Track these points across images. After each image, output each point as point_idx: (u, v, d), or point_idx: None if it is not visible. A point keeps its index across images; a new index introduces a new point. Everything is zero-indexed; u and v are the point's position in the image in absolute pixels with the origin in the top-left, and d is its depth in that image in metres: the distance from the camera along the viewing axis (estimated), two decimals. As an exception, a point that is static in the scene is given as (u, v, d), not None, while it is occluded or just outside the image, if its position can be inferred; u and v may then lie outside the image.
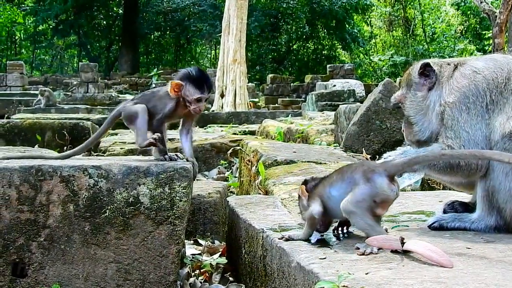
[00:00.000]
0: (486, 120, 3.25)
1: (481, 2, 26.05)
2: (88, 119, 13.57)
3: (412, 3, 60.95)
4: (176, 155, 4.02)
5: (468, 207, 3.55)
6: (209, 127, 18.51)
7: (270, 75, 42.98)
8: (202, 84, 4.00)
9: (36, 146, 9.50)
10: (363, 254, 2.84)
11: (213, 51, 64.93)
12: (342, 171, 3.14)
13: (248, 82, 34.90)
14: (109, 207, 3.68)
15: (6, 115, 19.28)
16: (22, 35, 62.89)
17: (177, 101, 3.99)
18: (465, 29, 58.04)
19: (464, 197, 3.94)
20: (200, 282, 4.36)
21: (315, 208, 3.08)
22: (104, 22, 63.36)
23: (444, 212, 3.57)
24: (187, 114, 4.11)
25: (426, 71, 3.50)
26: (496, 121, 3.20)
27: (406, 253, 2.79)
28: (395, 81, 11.09)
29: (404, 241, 2.81)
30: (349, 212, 2.95)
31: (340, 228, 3.31)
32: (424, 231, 3.33)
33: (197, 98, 3.97)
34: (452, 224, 3.33)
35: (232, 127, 16.91)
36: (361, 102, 15.48)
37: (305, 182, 3.26)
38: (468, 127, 3.26)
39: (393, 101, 3.70)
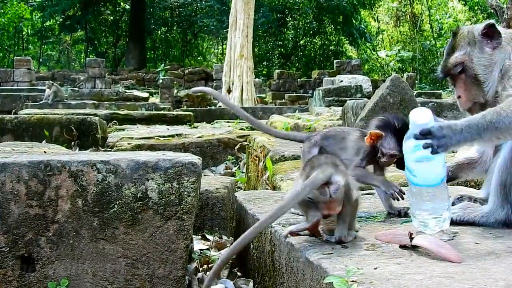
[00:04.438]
0: None
1: (489, -2, 25.97)
2: (95, 115, 13.54)
3: (419, -1, 60.87)
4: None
5: (476, 201, 3.54)
6: (216, 122, 18.54)
7: (277, 71, 43.00)
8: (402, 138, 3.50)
9: (44, 141, 9.51)
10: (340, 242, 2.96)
11: (220, 47, 64.97)
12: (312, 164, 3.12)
13: (255, 78, 34.95)
14: (117, 202, 3.69)
15: (13, 111, 19.30)
16: (29, 31, 62.99)
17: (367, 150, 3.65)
18: (473, 24, 57.86)
19: (473, 192, 3.94)
20: (208, 277, 4.36)
21: None
22: (111, 17, 63.38)
23: (453, 204, 3.55)
24: (372, 163, 3.72)
25: (490, 32, 3.41)
26: None
27: (414, 248, 2.79)
28: (402, 77, 11.07)
29: (413, 236, 2.81)
30: None
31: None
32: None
33: (392, 154, 3.55)
34: (462, 217, 3.31)
35: (239, 122, 16.90)
36: (368, 97, 15.47)
37: None
38: None
39: (452, 63, 3.46)
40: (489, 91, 3.37)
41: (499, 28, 3.42)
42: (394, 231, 2.92)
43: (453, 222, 3.25)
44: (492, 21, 3.44)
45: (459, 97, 3.50)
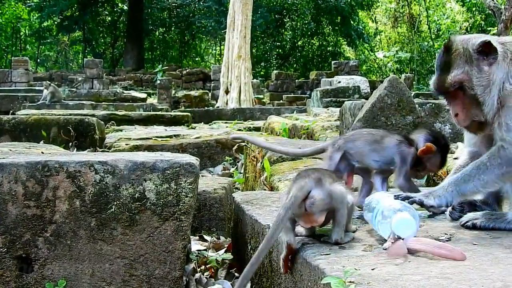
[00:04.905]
0: None
1: (487, -1, 26.01)
2: (93, 115, 13.56)
3: (417, 0, 60.88)
4: None
5: (476, 206, 3.54)
6: (214, 123, 18.52)
7: (275, 72, 43.01)
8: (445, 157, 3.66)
9: (42, 142, 9.51)
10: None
11: (218, 48, 65.01)
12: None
13: (253, 79, 34.90)
14: (115, 203, 3.69)
15: (11, 111, 19.28)
16: (27, 31, 62.97)
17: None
18: (470, 25, 57.89)
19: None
20: (206, 278, 4.37)
21: None
22: (109, 18, 63.35)
23: (453, 208, 3.54)
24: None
25: (486, 49, 3.30)
26: None
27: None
28: (400, 78, 11.08)
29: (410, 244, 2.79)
30: None
31: None
32: (431, 227, 3.33)
33: (432, 170, 3.66)
34: (486, 223, 3.26)
35: (237, 123, 16.90)
36: (366, 98, 15.46)
37: None
38: None
39: (451, 82, 3.36)
40: (489, 112, 3.28)
41: (495, 43, 3.32)
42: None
43: (477, 228, 3.25)
44: (487, 38, 3.33)
45: (456, 115, 3.42)
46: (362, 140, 3.70)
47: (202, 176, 6.29)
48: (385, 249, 2.81)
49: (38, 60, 61.92)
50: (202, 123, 19.79)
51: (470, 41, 3.36)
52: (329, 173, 3.17)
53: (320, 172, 3.10)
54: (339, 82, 29.02)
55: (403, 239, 2.77)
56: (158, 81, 34.48)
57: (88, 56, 53.50)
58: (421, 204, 3.19)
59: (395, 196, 3.12)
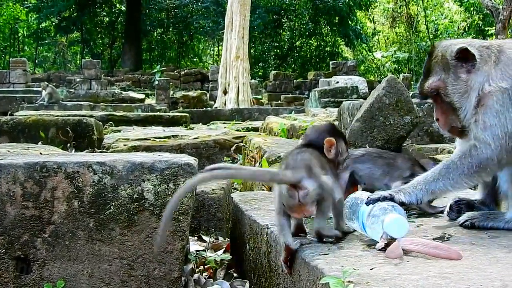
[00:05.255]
0: None
1: (485, -1, 26.04)
2: (91, 116, 13.55)
3: (415, 0, 60.91)
4: None
5: (474, 207, 3.54)
6: (212, 123, 18.51)
7: (273, 72, 43.07)
8: None
9: (40, 142, 9.50)
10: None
11: (216, 48, 65.04)
12: None
13: (251, 79, 34.93)
14: (113, 203, 3.69)
15: (9, 112, 19.27)
16: (25, 32, 62.95)
17: None
18: (468, 25, 57.96)
19: (469, 192, 3.94)
20: (205, 278, 4.36)
21: None
22: (107, 19, 63.36)
23: (451, 209, 3.55)
24: None
25: (463, 55, 3.29)
26: None
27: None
28: (398, 78, 11.08)
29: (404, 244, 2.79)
30: None
31: None
32: (429, 227, 3.33)
33: None
34: (485, 223, 3.27)
35: (235, 123, 16.92)
36: (364, 98, 15.46)
37: None
38: None
39: (428, 89, 3.41)
40: (465, 118, 3.29)
41: (473, 49, 3.29)
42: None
43: (476, 227, 3.26)
44: (464, 45, 3.30)
45: (437, 119, 3.46)
46: (371, 163, 3.72)
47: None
48: (379, 250, 2.81)
49: (36, 61, 61.90)
50: (200, 123, 19.80)
51: (449, 48, 3.37)
52: (317, 157, 3.19)
53: (311, 161, 3.10)
54: (337, 82, 29.04)
55: (395, 239, 2.77)
56: (156, 82, 34.48)
57: (86, 57, 53.63)
58: (392, 200, 3.18)
59: (367, 201, 3.11)
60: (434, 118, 3.49)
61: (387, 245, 2.78)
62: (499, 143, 3.12)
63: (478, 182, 3.26)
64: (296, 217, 3.12)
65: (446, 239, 3.03)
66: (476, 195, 3.71)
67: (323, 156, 3.23)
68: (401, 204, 3.15)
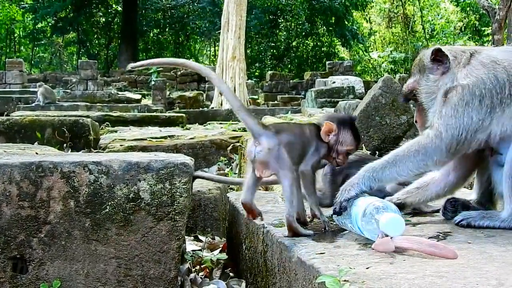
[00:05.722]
0: (496, 113, 3.17)
1: (481, -1, 26.06)
2: (87, 116, 13.50)
3: (411, 0, 60.94)
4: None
5: (470, 207, 3.54)
6: (209, 124, 18.49)
7: (270, 72, 43.07)
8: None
9: (36, 143, 9.49)
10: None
11: (212, 48, 64.96)
12: None
13: (248, 79, 34.93)
14: (109, 203, 3.68)
15: (5, 113, 19.25)
16: (21, 33, 62.84)
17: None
18: (465, 25, 58.04)
19: (465, 192, 3.95)
20: (201, 278, 4.36)
21: None
22: (103, 19, 63.25)
23: (445, 208, 3.56)
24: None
25: (438, 57, 3.40)
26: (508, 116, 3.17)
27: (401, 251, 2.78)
28: (394, 78, 11.09)
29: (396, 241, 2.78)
30: None
31: None
32: (425, 226, 3.33)
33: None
34: (481, 222, 3.28)
35: (232, 124, 16.88)
36: (361, 98, 15.47)
37: None
38: (475, 114, 3.17)
39: (405, 90, 3.57)
40: (433, 118, 3.34)
41: (450, 50, 3.41)
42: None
43: (472, 227, 3.27)
44: (439, 46, 3.44)
45: (416, 121, 3.58)
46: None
47: (196, 176, 6.28)
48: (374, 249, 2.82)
49: (33, 62, 61.83)
50: (197, 124, 19.77)
51: (428, 51, 3.49)
52: (309, 134, 3.33)
53: (296, 127, 3.34)
54: (334, 82, 29.06)
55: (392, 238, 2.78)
56: (153, 82, 34.44)
57: (82, 58, 53.51)
58: (348, 199, 3.22)
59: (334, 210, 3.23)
60: (414, 120, 3.58)
61: (380, 240, 2.79)
62: (451, 133, 3.17)
63: (424, 170, 3.28)
64: (257, 174, 3.17)
65: (442, 238, 3.03)
66: (471, 195, 3.72)
67: (319, 138, 3.29)
68: (349, 199, 3.21)
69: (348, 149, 3.40)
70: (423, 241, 2.74)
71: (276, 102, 34.87)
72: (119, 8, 60.70)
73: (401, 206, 3.50)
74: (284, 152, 3.09)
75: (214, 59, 56.01)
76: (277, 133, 3.13)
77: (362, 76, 51.67)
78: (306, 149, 3.31)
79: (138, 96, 35.13)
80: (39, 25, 59.82)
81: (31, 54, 62.36)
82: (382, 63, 60.13)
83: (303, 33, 59.89)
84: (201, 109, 27.90)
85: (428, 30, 59.99)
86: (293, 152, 3.19)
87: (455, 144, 3.16)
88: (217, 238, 5.37)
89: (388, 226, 2.80)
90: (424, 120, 3.48)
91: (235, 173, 9.10)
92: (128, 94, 35.64)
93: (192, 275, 4.32)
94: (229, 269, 4.57)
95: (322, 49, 60.92)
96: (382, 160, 3.29)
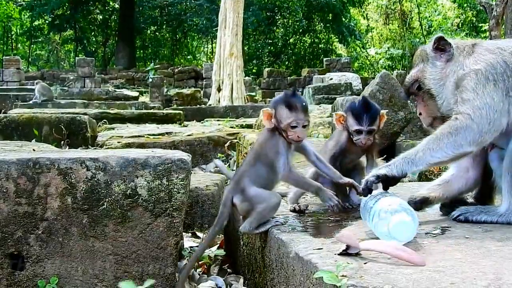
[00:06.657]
0: (510, 97, 3.17)
1: (478, -5, 26.07)
2: (85, 114, 13.50)
3: (408, -4, 60.99)
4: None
5: (467, 203, 3.54)
6: (206, 121, 18.50)
7: (267, 69, 43.04)
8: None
9: (34, 140, 9.48)
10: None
11: (209, 45, 64.98)
12: None
13: (245, 76, 34.89)
14: (107, 200, 3.68)
15: (3, 110, 19.22)
16: (18, 30, 62.77)
17: None
18: (462, 22, 58.02)
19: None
20: (199, 274, 4.36)
21: None
22: (101, 16, 63.21)
23: (443, 206, 3.56)
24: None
25: (441, 45, 3.44)
26: None
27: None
28: (392, 74, 11.08)
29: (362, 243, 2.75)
30: None
31: None
32: (423, 221, 3.33)
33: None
34: (478, 217, 3.28)
35: (229, 121, 16.91)
36: (358, 95, 15.46)
37: None
38: (494, 95, 3.17)
39: (409, 81, 3.55)
40: (443, 104, 3.39)
41: (451, 40, 3.44)
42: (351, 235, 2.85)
43: (469, 221, 3.28)
44: (440, 34, 3.49)
45: (420, 114, 3.56)
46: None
47: (194, 173, 6.29)
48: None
49: (30, 59, 61.78)
50: (194, 121, 19.76)
51: (429, 43, 3.53)
52: (264, 147, 3.44)
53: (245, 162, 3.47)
54: (331, 79, 29.03)
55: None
56: (150, 80, 34.43)
57: (79, 55, 53.36)
58: (378, 177, 3.23)
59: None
60: (418, 114, 3.57)
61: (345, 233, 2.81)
62: (479, 113, 3.15)
63: (459, 152, 3.24)
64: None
65: (440, 233, 3.03)
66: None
67: (272, 136, 3.44)
68: (385, 178, 3.21)
69: (289, 123, 3.33)
70: (393, 245, 2.68)
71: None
72: (116, 6, 60.67)
73: (424, 201, 3.51)
74: (250, 192, 3.35)
75: (211, 56, 55.98)
76: (237, 184, 3.38)
77: (359, 72, 51.62)
78: (270, 160, 3.37)
79: (135, 94, 35.15)
80: (36, 23, 59.78)
81: (28, 51, 62.28)
82: (380, 59, 60.14)
83: (301, 30, 59.88)
84: (198, 106, 27.87)
85: (425, 27, 60.00)
86: (262, 175, 3.39)
87: (486, 123, 3.14)
88: (215, 234, 5.36)
89: (396, 229, 2.78)
90: (429, 110, 3.49)
91: (233, 170, 9.09)
92: (126, 92, 35.64)
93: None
94: (227, 265, 4.57)
95: (320, 45, 60.91)
96: (416, 146, 3.30)
